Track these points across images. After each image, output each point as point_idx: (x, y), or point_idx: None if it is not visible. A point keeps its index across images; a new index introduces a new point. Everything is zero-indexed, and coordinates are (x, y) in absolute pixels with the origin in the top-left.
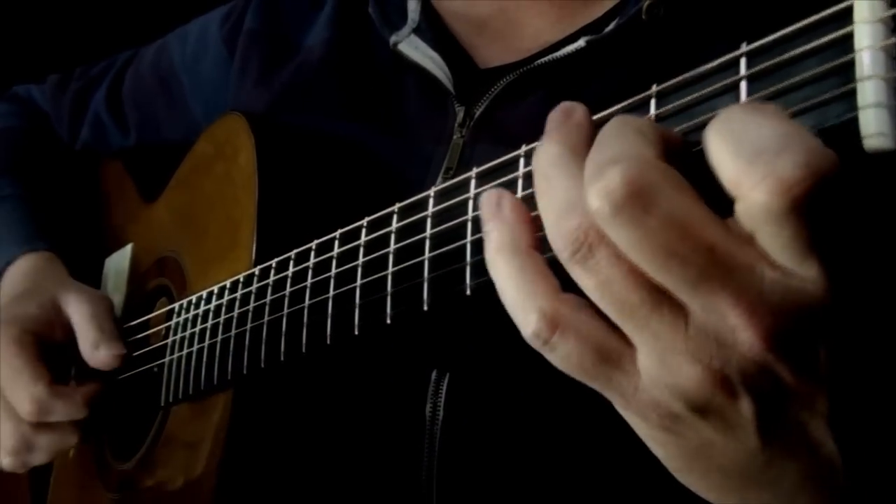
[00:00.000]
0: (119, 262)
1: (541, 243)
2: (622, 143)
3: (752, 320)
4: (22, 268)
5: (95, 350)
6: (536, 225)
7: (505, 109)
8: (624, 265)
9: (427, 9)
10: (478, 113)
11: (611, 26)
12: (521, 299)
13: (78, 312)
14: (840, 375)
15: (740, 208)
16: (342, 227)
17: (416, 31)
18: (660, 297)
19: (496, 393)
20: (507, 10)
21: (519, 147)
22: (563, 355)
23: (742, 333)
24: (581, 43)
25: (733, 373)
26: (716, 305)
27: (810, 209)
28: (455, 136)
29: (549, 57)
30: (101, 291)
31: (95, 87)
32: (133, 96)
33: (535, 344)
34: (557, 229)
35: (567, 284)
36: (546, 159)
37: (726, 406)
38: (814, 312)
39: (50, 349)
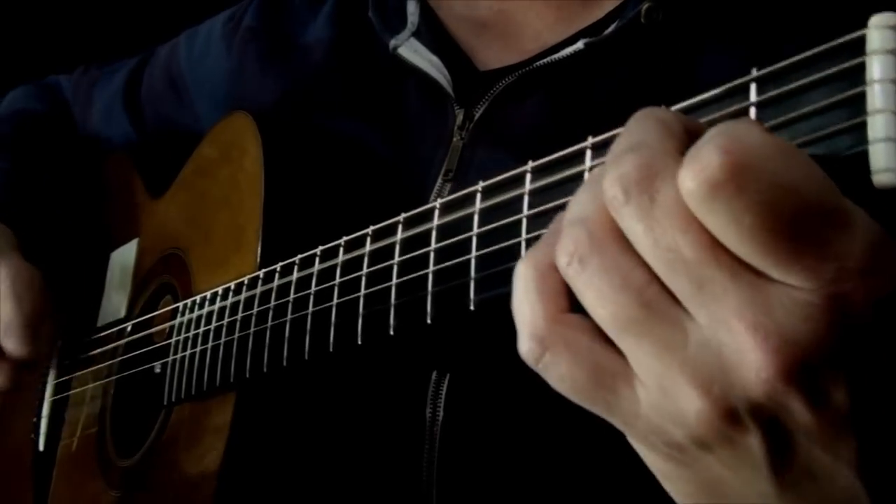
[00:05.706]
0: (124, 257)
1: None
2: (640, 132)
3: (760, 337)
4: None
5: (5, 336)
6: None
7: (504, 111)
8: (616, 276)
9: (426, 12)
10: (477, 115)
11: (610, 29)
12: (520, 316)
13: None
14: (870, 415)
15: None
16: (345, 230)
17: (416, 34)
18: (656, 311)
19: (496, 394)
20: (507, 12)
21: (517, 149)
22: (557, 376)
23: (750, 354)
24: (580, 45)
25: (739, 402)
26: (721, 315)
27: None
28: (455, 139)
29: (548, 59)
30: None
31: (111, 78)
32: (148, 95)
33: (530, 363)
34: (559, 245)
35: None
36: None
37: (733, 440)
38: (827, 333)
39: None
